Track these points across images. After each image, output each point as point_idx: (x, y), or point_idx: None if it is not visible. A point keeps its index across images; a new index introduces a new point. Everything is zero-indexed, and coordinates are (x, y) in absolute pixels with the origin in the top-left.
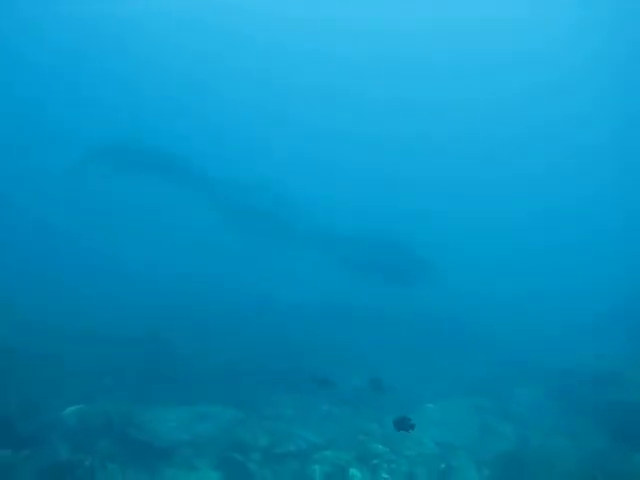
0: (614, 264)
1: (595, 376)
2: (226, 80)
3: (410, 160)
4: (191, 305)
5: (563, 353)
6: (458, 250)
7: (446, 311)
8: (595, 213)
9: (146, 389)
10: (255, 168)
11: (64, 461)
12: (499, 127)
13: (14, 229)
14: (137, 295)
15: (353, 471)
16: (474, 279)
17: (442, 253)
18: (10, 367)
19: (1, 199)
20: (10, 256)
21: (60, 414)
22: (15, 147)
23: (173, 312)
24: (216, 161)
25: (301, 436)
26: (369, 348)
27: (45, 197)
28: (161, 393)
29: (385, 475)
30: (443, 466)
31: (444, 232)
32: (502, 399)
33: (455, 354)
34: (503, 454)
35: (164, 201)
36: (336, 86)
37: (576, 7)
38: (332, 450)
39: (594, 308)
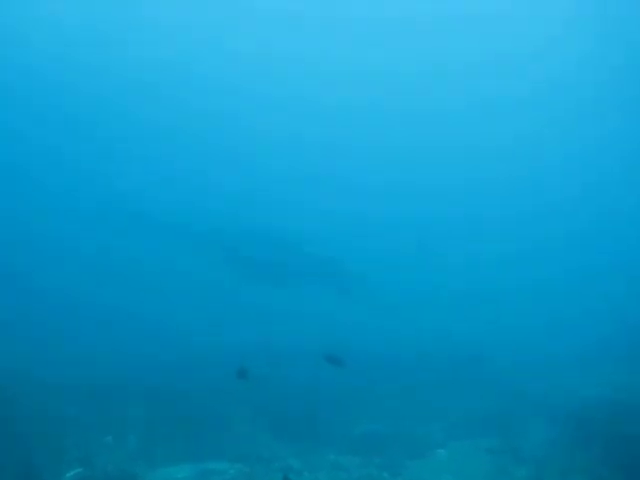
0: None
1: (608, 408)
2: None
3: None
4: (192, 359)
5: (571, 384)
6: (454, 279)
7: (443, 345)
8: (596, 231)
9: (148, 447)
10: None
11: None
12: (493, 128)
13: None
14: (138, 350)
15: None
16: (474, 311)
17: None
18: (9, 426)
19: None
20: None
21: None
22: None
23: (174, 367)
24: None
25: None
26: (365, 392)
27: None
28: (164, 450)
29: None
30: None
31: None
32: (513, 438)
33: (458, 390)
34: None
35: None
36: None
37: (567, 5)
38: None
39: (597, 335)
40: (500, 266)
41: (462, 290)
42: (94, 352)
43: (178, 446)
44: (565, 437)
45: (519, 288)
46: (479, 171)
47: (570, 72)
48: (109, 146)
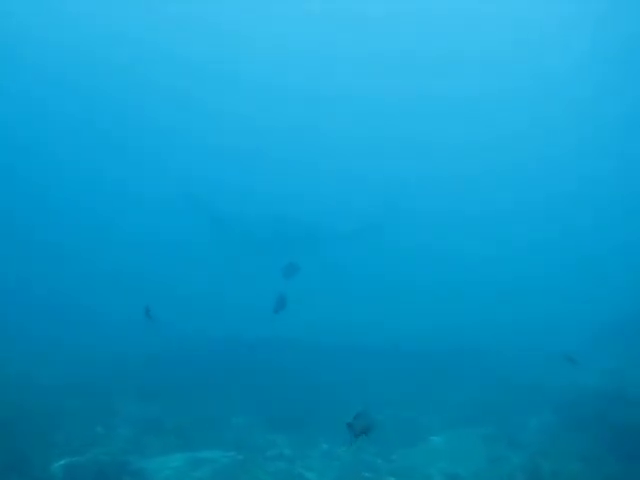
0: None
1: (604, 395)
2: None
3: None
4: (182, 349)
5: (567, 373)
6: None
7: (441, 335)
8: (594, 223)
9: (140, 437)
10: None
11: None
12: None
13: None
14: (130, 343)
15: None
16: (471, 302)
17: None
18: None
19: None
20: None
21: (48, 469)
22: None
23: (166, 358)
24: None
25: (304, 476)
26: (362, 381)
27: None
28: (156, 441)
29: None
30: None
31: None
32: (509, 426)
33: (454, 380)
34: None
35: None
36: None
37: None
38: None
39: (594, 323)
40: (497, 259)
41: (460, 282)
42: (87, 345)
43: (170, 437)
44: (560, 424)
45: (515, 279)
46: (470, 167)
47: (569, 66)
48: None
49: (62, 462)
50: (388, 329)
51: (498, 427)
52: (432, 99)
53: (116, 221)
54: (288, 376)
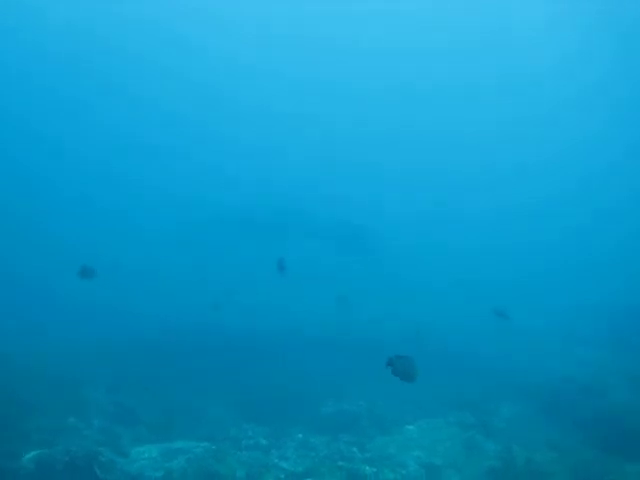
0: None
1: (578, 385)
2: None
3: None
4: (157, 339)
5: (544, 362)
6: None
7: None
8: (574, 217)
9: (114, 428)
10: None
11: None
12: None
13: None
14: (106, 333)
15: None
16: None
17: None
18: None
19: None
20: None
21: (19, 460)
22: None
23: (138, 348)
24: None
25: (279, 466)
26: (340, 372)
27: None
28: (130, 432)
29: None
30: None
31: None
32: (485, 415)
33: (432, 370)
34: (490, 471)
35: None
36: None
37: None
38: (312, 478)
39: (572, 313)
40: (479, 254)
41: (439, 277)
42: (61, 334)
43: (144, 428)
44: (534, 413)
45: (496, 273)
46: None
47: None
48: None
49: (33, 453)
50: (362, 323)
51: (473, 415)
52: (432, 96)
53: (94, 202)
54: (265, 368)
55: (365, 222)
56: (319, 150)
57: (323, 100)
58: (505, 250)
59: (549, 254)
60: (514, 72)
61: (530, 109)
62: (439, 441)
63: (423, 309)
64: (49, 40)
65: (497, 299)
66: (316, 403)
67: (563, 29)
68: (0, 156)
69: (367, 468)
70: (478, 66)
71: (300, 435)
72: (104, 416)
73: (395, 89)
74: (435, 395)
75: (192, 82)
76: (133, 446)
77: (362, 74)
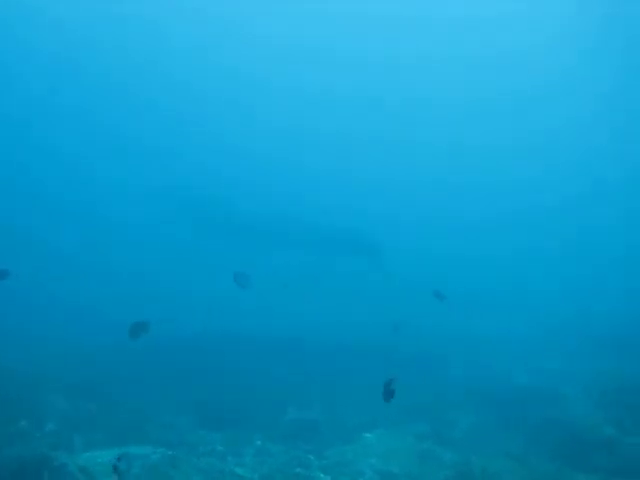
0: (554, 280)
1: (537, 395)
2: None
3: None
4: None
5: (499, 372)
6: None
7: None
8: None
9: (67, 433)
10: None
11: None
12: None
13: None
14: (65, 336)
15: None
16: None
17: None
18: None
19: None
20: None
21: None
22: None
23: (105, 352)
24: None
25: (235, 473)
26: (298, 380)
27: None
28: (83, 436)
29: None
30: None
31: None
32: (441, 425)
33: (401, 377)
34: None
35: None
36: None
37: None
38: None
39: (528, 324)
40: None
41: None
42: (26, 335)
43: (99, 433)
44: (492, 422)
45: (463, 281)
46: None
47: (570, 72)
48: None
49: None
50: (328, 327)
51: (430, 425)
52: (435, 102)
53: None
54: (223, 374)
55: (357, 225)
56: (325, 160)
57: (327, 107)
58: (495, 258)
59: (540, 263)
60: (520, 84)
61: (538, 121)
62: (397, 450)
63: (403, 312)
64: (49, 40)
65: (483, 308)
66: (278, 410)
67: (565, 43)
68: None
69: (322, 476)
70: (483, 77)
71: (259, 442)
72: (59, 420)
73: (384, 98)
74: (397, 403)
75: (192, 84)
76: (87, 451)
77: (368, 84)
